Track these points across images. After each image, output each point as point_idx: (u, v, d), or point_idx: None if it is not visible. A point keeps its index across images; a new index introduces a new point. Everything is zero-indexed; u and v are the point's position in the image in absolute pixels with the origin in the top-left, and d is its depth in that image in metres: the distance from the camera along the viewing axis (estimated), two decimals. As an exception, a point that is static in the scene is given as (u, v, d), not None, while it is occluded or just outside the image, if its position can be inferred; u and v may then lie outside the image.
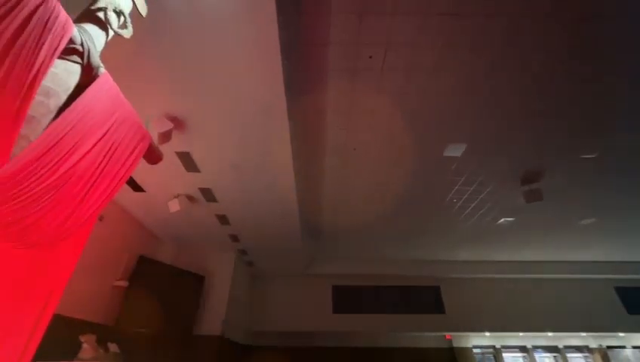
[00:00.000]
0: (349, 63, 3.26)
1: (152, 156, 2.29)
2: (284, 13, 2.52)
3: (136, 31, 2.12)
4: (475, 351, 9.14)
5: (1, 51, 1.19)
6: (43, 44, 1.34)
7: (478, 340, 9.27)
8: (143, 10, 2.19)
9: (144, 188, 4.69)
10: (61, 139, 1.40)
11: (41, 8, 1.34)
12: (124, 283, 5.02)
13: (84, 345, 3.46)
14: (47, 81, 1.43)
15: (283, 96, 3.09)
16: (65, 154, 1.41)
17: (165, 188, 4.71)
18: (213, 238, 6.41)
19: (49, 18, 1.37)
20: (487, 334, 8.87)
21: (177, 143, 3.72)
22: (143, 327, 5.12)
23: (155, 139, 3.31)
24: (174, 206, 4.71)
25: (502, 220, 6.40)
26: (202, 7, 2.41)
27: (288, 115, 3.35)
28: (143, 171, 4.17)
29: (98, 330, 3.95)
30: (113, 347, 3.66)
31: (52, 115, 1.47)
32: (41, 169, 1.28)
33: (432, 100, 3.64)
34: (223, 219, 5.66)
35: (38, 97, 1.36)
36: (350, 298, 8.81)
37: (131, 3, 2.09)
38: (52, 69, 1.44)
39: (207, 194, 4.88)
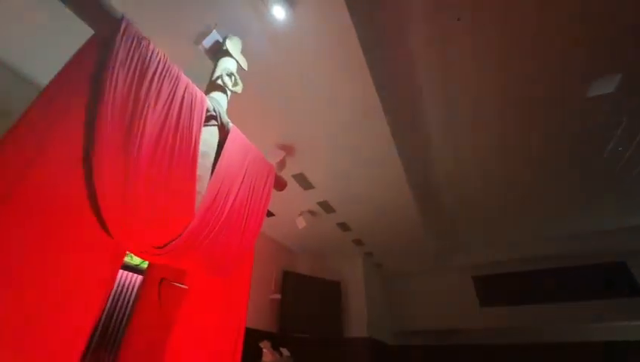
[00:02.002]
0: (434, 34, 3.00)
1: (279, 184, 2.63)
2: (357, 15, 2.55)
3: (245, 84, 2.51)
4: None
5: (173, 133, 1.59)
6: (193, 118, 1.73)
7: None
8: (244, 65, 2.59)
9: (274, 213, 5.40)
10: (220, 188, 1.77)
11: (187, 93, 1.74)
12: (277, 296, 5.83)
13: (264, 351, 4.18)
14: (201, 146, 1.84)
15: (376, 96, 3.10)
16: (225, 199, 1.76)
17: (290, 209, 5.29)
18: (339, 245, 6.78)
19: (192, 99, 1.77)
20: None
21: (292, 167, 4.16)
22: (301, 333, 5.80)
23: (275, 168, 3.80)
24: (301, 223, 5.23)
25: None
26: (286, 46, 2.67)
27: (384, 110, 3.32)
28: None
29: (268, 337, 4.70)
30: (285, 351, 4.28)
31: (209, 172, 1.86)
32: (214, 214, 1.64)
33: (552, 37, 2.97)
34: (343, 227, 5.94)
35: (199, 160, 1.76)
36: (500, 288, 7.74)
37: (235, 63, 2.50)
38: (202, 135, 1.85)
39: (325, 207, 5.23)
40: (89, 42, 1.36)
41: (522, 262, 7.63)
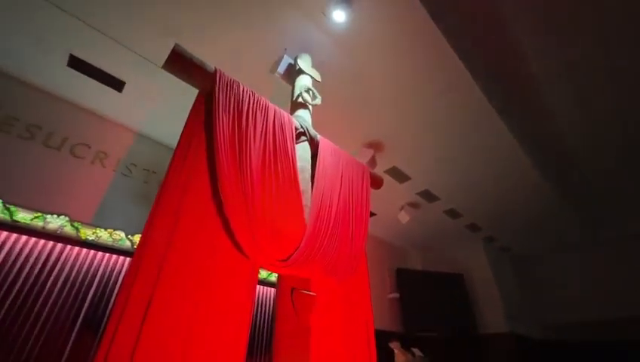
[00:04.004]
0: None
1: (375, 182, 2.60)
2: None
3: (322, 94, 2.60)
4: None
5: (273, 157, 1.73)
6: (287, 139, 1.86)
7: None
8: (317, 77, 2.68)
9: (375, 212, 5.35)
10: (322, 197, 1.84)
11: (276, 118, 1.89)
12: (395, 295, 5.71)
13: (396, 351, 4.10)
14: (298, 162, 1.96)
15: (459, 63, 2.79)
16: (329, 206, 1.83)
17: (390, 205, 5.15)
18: (452, 234, 6.23)
19: (282, 122, 1.91)
20: None
21: (382, 163, 4.07)
22: (428, 331, 5.49)
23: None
24: (404, 217, 5.03)
25: None
26: (353, 44, 2.66)
27: (473, 77, 2.95)
28: (368, 198, 4.81)
29: (395, 337, 4.57)
30: (417, 351, 4.11)
31: (310, 184, 1.97)
32: (322, 222, 1.72)
33: None
34: (452, 213, 5.46)
35: (299, 175, 1.88)
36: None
37: (310, 78, 2.62)
38: (297, 153, 1.98)
39: (427, 196, 4.91)
40: (197, 100, 1.63)
41: None
